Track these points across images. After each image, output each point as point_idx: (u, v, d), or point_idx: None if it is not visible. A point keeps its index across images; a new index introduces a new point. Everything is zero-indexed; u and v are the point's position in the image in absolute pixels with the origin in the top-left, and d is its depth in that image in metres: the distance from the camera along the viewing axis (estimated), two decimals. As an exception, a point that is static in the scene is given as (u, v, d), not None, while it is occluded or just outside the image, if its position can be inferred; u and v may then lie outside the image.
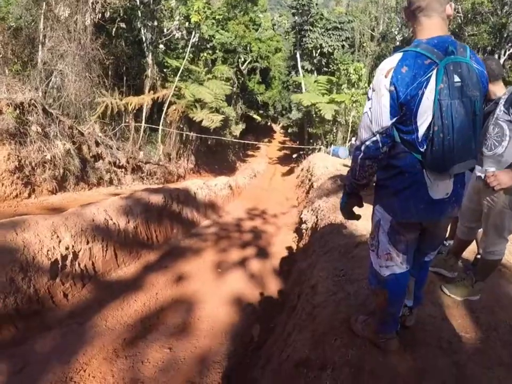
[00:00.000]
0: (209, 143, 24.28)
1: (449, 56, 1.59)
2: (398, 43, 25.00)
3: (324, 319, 2.27)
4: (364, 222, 4.61)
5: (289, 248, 7.23)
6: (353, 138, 15.98)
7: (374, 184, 1.93)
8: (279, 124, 50.44)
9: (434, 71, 1.58)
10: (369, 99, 1.70)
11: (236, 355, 3.77)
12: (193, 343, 3.90)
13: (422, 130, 1.63)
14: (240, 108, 26.43)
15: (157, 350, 3.69)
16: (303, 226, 6.79)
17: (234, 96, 24.63)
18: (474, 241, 3.27)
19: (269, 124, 49.05)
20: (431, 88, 1.58)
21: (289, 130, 36.56)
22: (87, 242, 4.59)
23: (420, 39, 1.67)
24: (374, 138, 1.68)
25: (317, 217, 5.99)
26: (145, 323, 4.12)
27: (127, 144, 12.38)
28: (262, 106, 41.18)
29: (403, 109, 1.62)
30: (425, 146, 1.63)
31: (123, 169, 11.45)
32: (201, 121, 17.35)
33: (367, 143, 1.70)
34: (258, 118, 33.63)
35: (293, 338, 2.45)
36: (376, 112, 1.65)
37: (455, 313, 2.33)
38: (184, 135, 17.31)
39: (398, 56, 1.63)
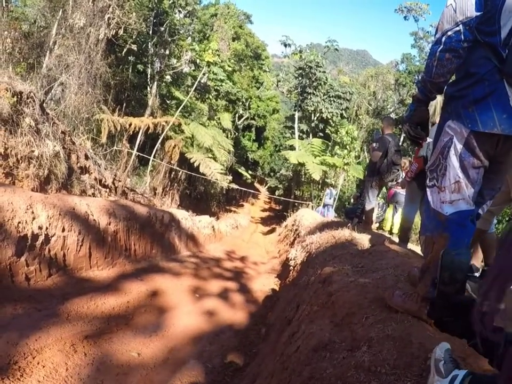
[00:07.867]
0: (196, 191, 23.96)
1: None
2: (392, 115, 26.17)
3: (346, 301, 1.86)
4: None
5: (272, 289, 6.76)
6: (328, 190, 15.99)
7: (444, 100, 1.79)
8: (265, 185, 50.78)
9: None
10: None
11: (214, 373, 3.24)
12: (166, 354, 3.36)
13: (504, 32, 1.54)
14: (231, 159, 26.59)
15: (123, 353, 3.15)
16: (291, 263, 6.35)
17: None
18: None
19: (255, 184, 49.28)
20: None
21: (276, 193, 36.48)
22: (63, 230, 4.11)
23: None
24: (457, 29, 1.60)
25: (308, 252, 5.59)
26: (112, 326, 3.57)
27: (116, 167, 12.01)
28: (252, 165, 41.57)
29: (488, 3, 1.56)
30: (507, 51, 1.54)
31: (107, 189, 11.04)
32: (192, 162, 17.21)
33: (449, 33, 1.62)
34: (247, 175, 33.66)
35: (302, 330, 2.02)
36: (462, 1, 1.59)
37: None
38: (173, 172, 17.07)
39: None
